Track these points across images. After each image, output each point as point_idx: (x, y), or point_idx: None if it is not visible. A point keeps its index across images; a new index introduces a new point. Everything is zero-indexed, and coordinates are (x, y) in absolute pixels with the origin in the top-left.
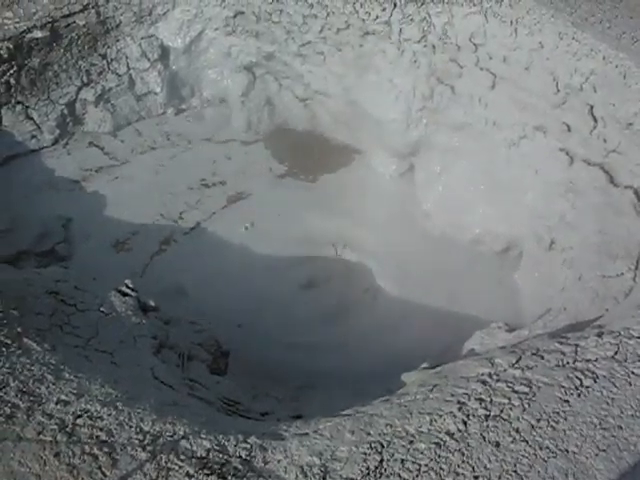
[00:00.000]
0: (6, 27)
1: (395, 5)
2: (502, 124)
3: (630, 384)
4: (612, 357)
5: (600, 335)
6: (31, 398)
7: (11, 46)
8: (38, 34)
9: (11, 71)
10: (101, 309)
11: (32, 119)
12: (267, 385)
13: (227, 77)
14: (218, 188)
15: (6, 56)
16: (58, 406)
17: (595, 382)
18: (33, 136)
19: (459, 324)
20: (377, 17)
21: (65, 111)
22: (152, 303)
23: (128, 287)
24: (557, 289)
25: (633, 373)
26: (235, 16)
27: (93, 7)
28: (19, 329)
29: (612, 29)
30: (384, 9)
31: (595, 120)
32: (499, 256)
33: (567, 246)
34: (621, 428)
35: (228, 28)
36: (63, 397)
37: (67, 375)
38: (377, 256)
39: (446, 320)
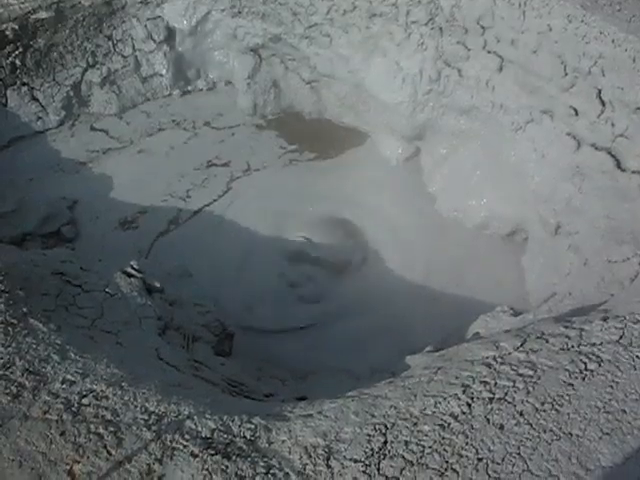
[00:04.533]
0: (11, 7)
1: None
2: (509, 108)
3: (635, 368)
4: (617, 341)
5: (605, 319)
6: (37, 378)
7: (16, 27)
8: (43, 15)
9: (16, 52)
10: (106, 290)
11: (37, 100)
12: (271, 367)
13: (233, 59)
14: (224, 169)
15: (11, 37)
16: (64, 386)
17: (600, 366)
18: (38, 118)
19: (464, 308)
20: None
21: (70, 93)
22: (157, 284)
23: (133, 268)
24: (563, 274)
25: (638, 357)
26: None
27: None
28: (25, 309)
29: (622, 12)
30: None
31: (603, 104)
32: (505, 240)
33: (573, 231)
34: (625, 412)
35: (234, 10)
36: (69, 377)
37: (72, 355)
38: (382, 239)
39: (451, 304)
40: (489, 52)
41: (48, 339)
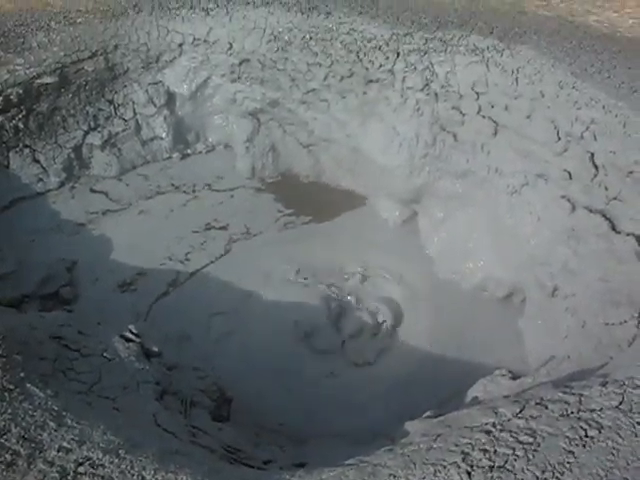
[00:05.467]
0: (17, 73)
1: (398, 54)
2: (504, 171)
3: (636, 435)
4: (617, 407)
5: (604, 384)
6: (32, 445)
7: (21, 91)
8: (47, 80)
9: (20, 115)
10: (105, 354)
11: (39, 162)
12: (270, 432)
13: (232, 123)
14: (223, 232)
15: (15, 101)
16: (60, 453)
17: (600, 432)
18: (39, 179)
19: (462, 371)
20: (381, 66)
21: (72, 155)
22: (155, 349)
23: (132, 332)
24: (561, 336)
25: (638, 424)
26: (241, 63)
27: (101, 54)
28: (22, 374)
29: (611, 79)
30: (387, 58)
31: (596, 168)
32: (502, 303)
33: (570, 293)
34: None
35: (234, 75)
36: (65, 444)
37: (69, 422)
38: (379, 302)
39: (449, 367)
40: (484, 117)
41: (45, 405)
